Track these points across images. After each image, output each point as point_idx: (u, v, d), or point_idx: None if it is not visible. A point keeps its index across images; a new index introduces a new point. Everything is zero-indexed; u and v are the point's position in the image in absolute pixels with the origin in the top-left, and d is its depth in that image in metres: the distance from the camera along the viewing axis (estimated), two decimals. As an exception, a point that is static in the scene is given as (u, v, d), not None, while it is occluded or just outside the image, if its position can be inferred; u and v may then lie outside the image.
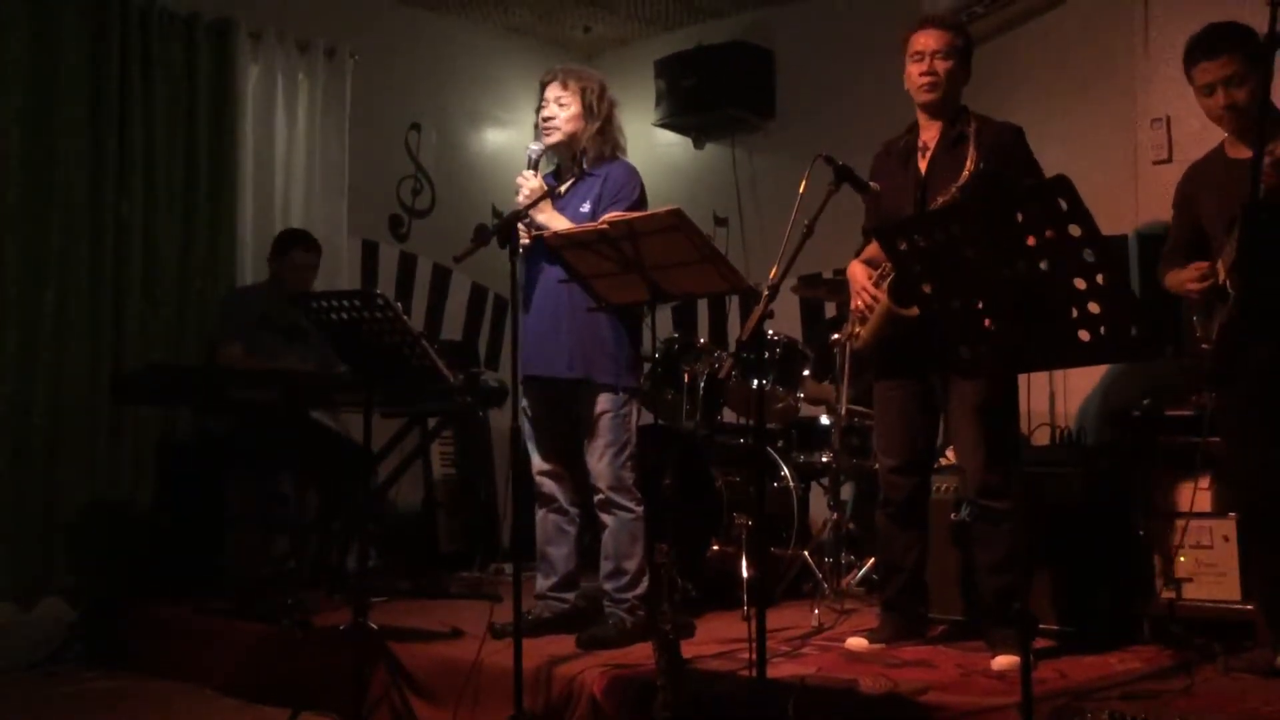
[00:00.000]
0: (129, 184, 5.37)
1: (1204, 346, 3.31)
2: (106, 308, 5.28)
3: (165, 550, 5.03)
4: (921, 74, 3.69)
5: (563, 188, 3.97)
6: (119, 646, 4.85)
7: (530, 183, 3.86)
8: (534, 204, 3.79)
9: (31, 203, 5.11)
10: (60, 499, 5.09)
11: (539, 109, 4.05)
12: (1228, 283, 3.20)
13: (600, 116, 4.00)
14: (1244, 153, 3.31)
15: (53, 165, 5.17)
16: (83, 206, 5.24)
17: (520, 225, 3.81)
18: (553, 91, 4.01)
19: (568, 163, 4.05)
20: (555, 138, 3.99)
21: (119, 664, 4.76)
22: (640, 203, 3.91)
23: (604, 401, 3.93)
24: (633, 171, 4.01)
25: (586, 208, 3.89)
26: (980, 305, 2.49)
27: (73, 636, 4.93)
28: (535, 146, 3.97)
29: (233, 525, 5.11)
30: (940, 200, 3.58)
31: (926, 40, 3.69)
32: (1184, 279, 3.36)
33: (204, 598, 4.75)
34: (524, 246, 3.87)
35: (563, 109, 3.98)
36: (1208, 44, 3.31)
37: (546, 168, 4.08)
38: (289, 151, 5.99)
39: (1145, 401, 4.03)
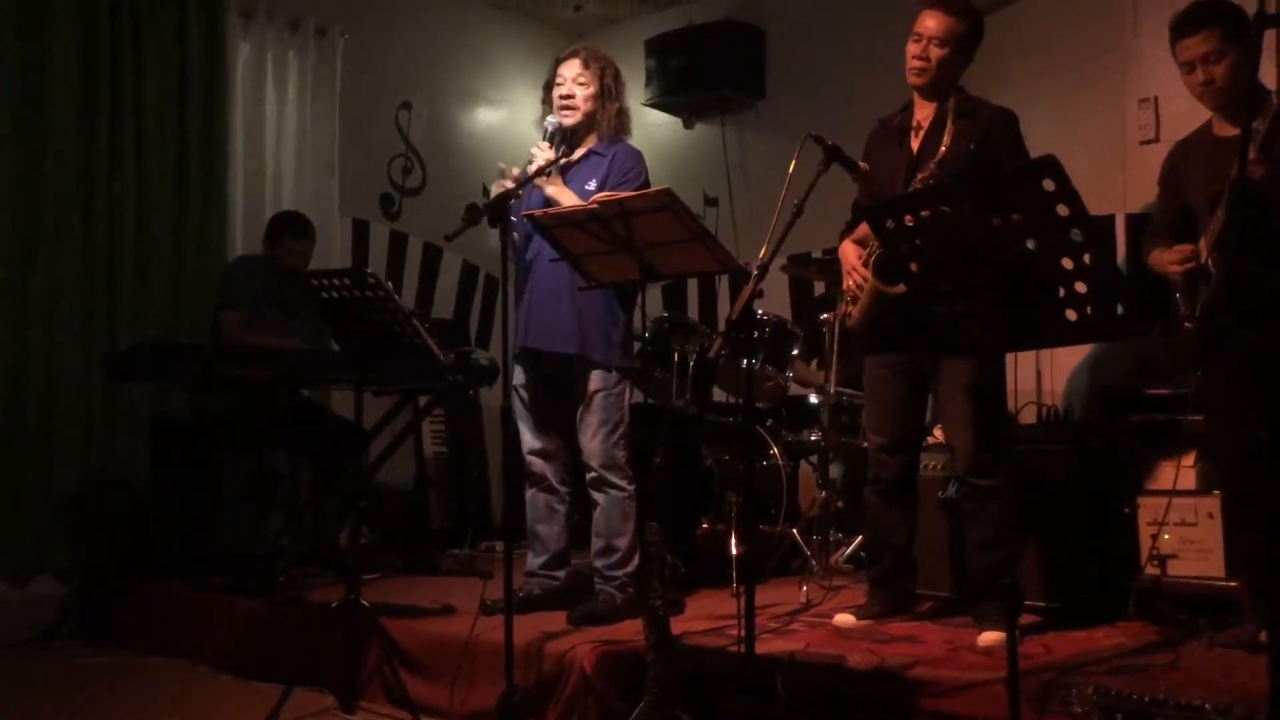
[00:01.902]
0: (120, 162, 5.36)
1: (1187, 325, 3.33)
2: (99, 285, 5.28)
3: (159, 528, 5.04)
4: (914, 57, 3.69)
5: (566, 159, 3.97)
6: (113, 623, 4.86)
7: (545, 154, 3.87)
8: (539, 174, 3.80)
9: (23, 181, 5.10)
10: (54, 477, 5.10)
11: (551, 85, 4.05)
12: (1210, 261, 3.22)
13: (617, 98, 4.04)
14: (1230, 130, 3.33)
15: (44, 143, 5.15)
16: (74, 185, 5.22)
17: (514, 178, 3.82)
18: (571, 69, 4.02)
19: (570, 140, 4.05)
20: (574, 118, 4.00)
21: (113, 641, 4.78)
22: (645, 187, 3.91)
23: (598, 380, 3.96)
24: (639, 155, 4.04)
25: (592, 186, 3.90)
26: (968, 285, 2.51)
27: (67, 614, 4.95)
28: (553, 120, 3.97)
29: (226, 503, 5.13)
30: (920, 179, 3.60)
31: (928, 23, 3.66)
32: (1166, 260, 3.38)
33: (198, 575, 4.77)
34: (527, 224, 3.87)
35: (581, 88, 4.00)
36: (1187, 21, 3.34)
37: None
38: (279, 130, 5.98)
39: (1131, 380, 4.06)
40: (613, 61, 4.11)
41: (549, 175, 3.86)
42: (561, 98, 4.01)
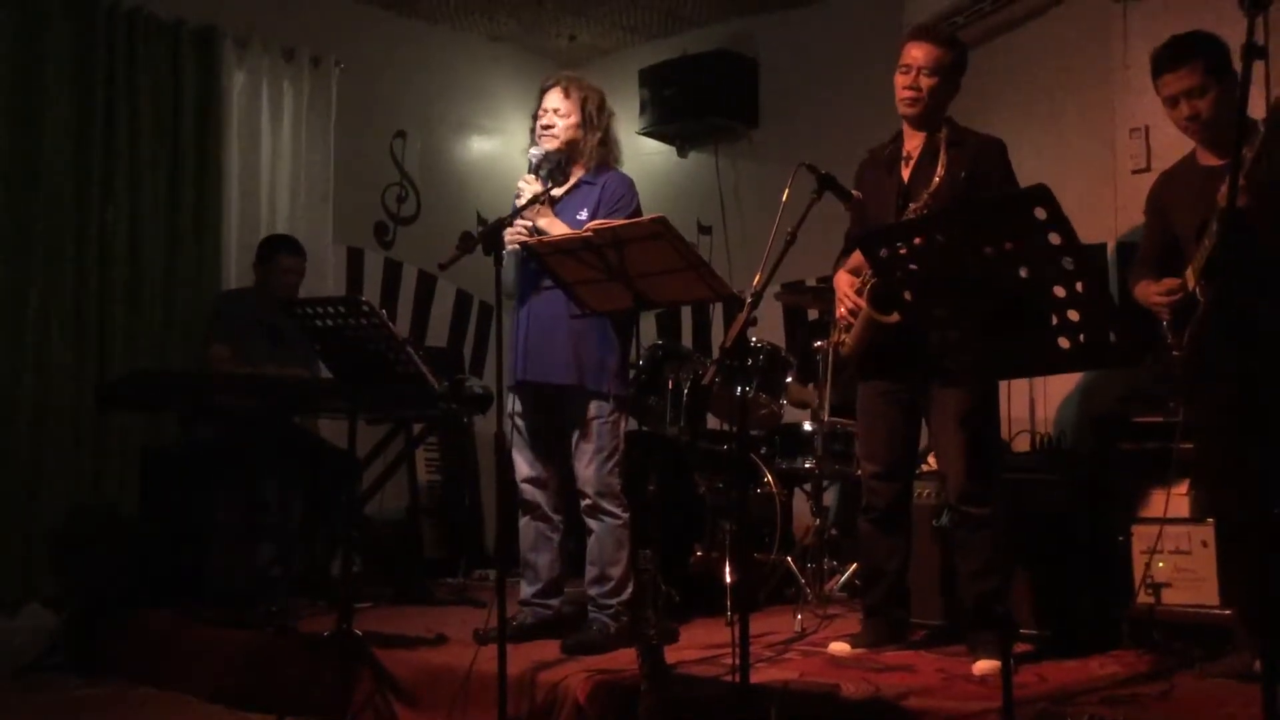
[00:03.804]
0: (114, 190, 5.37)
1: (1175, 353, 3.33)
2: (91, 313, 5.28)
3: (150, 557, 5.01)
4: (905, 87, 3.72)
5: (557, 192, 3.99)
6: (103, 654, 4.83)
7: (532, 187, 3.88)
8: (528, 205, 3.81)
9: (16, 208, 5.10)
10: (44, 505, 5.08)
11: (537, 115, 4.07)
12: (1197, 289, 3.23)
13: (600, 128, 4.04)
14: (1214, 160, 3.34)
15: (37, 170, 5.16)
16: (67, 212, 5.23)
17: (522, 225, 3.83)
18: (552, 100, 4.03)
19: (559, 170, 4.07)
20: (554, 143, 4.01)
21: (103, 671, 4.74)
22: (637, 214, 3.92)
23: (594, 408, 3.96)
24: (630, 183, 4.05)
25: (584, 215, 3.91)
26: (961, 313, 2.52)
27: (56, 644, 4.91)
28: (536, 151, 3.98)
29: (217, 532, 5.10)
30: (913, 208, 3.62)
31: (915, 54, 3.69)
32: (1152, 294, 3.38)
33: (188, 605, 4.74)
34: (521, 252, 3.88)
35: (562, 119, 4.01)
36: (1168, 57, 3.32)
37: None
38: (274, 158, 5.99)
39: (1123, 407, 4.06)
40: (597, 90, 4.11)
41: (539, 207, 3.86)
42: (542, 126, 4.03)
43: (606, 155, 4.07)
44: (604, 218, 3.75)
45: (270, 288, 5.21)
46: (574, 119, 4.02)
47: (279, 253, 5.26)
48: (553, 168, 4.06)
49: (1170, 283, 3.33)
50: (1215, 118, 3.28)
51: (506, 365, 3.62)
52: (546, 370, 3.95)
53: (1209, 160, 3.38)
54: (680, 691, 3.15)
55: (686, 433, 4.89)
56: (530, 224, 3.86)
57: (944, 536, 3.99)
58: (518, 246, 3.83)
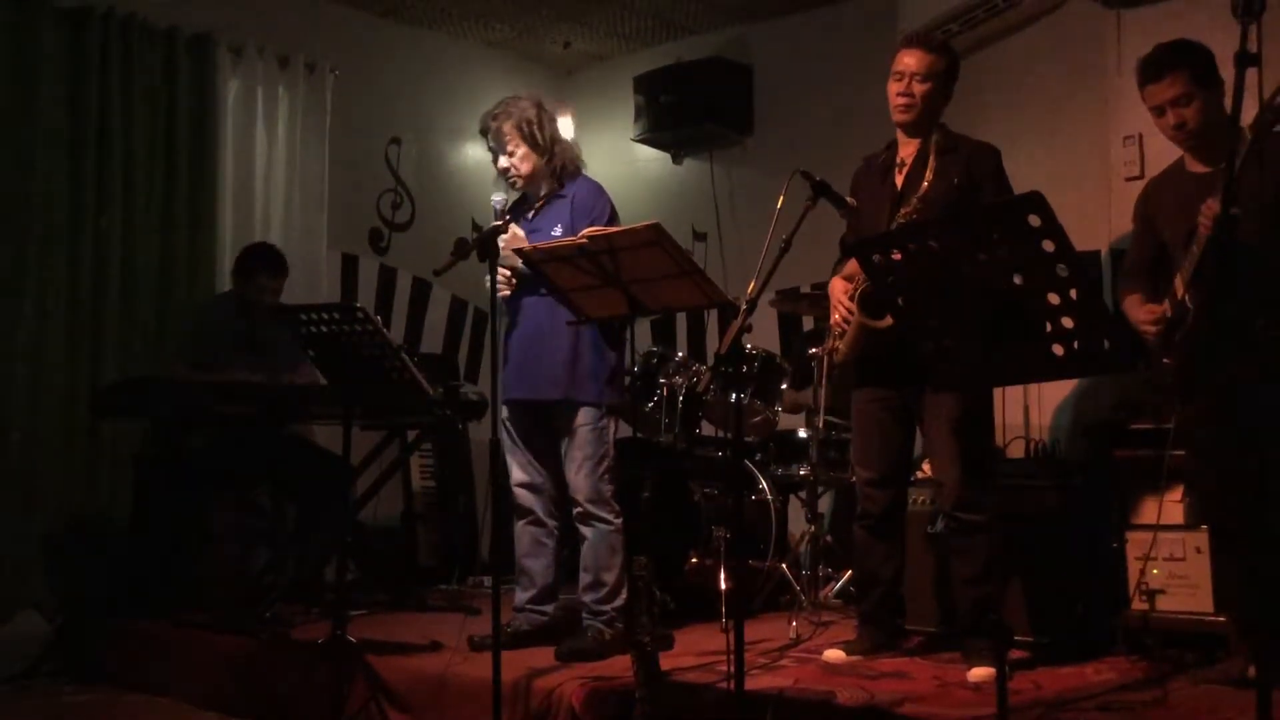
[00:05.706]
0: (108, 197, 5.36)
1: (1165, 361, 3.34)
2: (85, 320, 5.27)
3: (143, 563, 4.99)
4: (898, 94, 3.73)
5: (531, 214, 4.02)
6: (96, 660, 4.81)
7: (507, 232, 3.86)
8: (503, 228, 3.79)
9: (9, 215, 5.10)
10: (37, 511, 5.07)
11: (493, 159, 4.08)
12: (1186, 297, 3.23)
13: (545, 143, 4.02)
14: (1202, 168, 3.36)
15: (31, 177, 5.15)
16: (61, 219, 5.22)
17: (503, 275, 3.85)
18: (494, 140, 4.04)
19: (548, 183, 4.07)
20: (522, 184, 4.06)
21: (96, 678, 4.73)
22: (611, 219, 3.94)
23: (583, 416, 3.96)
24: (598, 189, 4.05)
25: (559, 231, 3.91)
26: (955, 319, 2.52)
27: (49, 650, 4.89)
28: (499, 198, 3.86)
29: (211, 538, 5.10)
30: (903, 213, 3.62)
31: (908, 61, 3.71)
32: (1139, 319, 3.39)
33: (182, 611, 4.73)
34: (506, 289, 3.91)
35: (512, 156, 4.01)
36: (1152, 67, 3.34)
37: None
38: (269, 165, 5.99)
39: (1117, 414, 4.07)
40: (528, 105, 4.04)
41: (514, 246, 3.83)
42: (502, 170, 4.06)
43: (562, 162, 4.06)
44: (579, 228, 3.74)
45: (246, 298, 5.13)
46: (521, 149, 4.00)
47: (259, 274, 5.07)
48: (519, 200, 4.12)
49: (1156, 309, 3.34)
50: (1201, 126, 3.30)
51: (500, 373, 3.62)
52: (533, 388, 3.97)
53: (1197, 168, 3.39)
54: (675, 698, 3.15)
55: (681, 440, 4.89)
56: (509, 270, 3.88)
57: (939, 543, 3.99)
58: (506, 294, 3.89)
